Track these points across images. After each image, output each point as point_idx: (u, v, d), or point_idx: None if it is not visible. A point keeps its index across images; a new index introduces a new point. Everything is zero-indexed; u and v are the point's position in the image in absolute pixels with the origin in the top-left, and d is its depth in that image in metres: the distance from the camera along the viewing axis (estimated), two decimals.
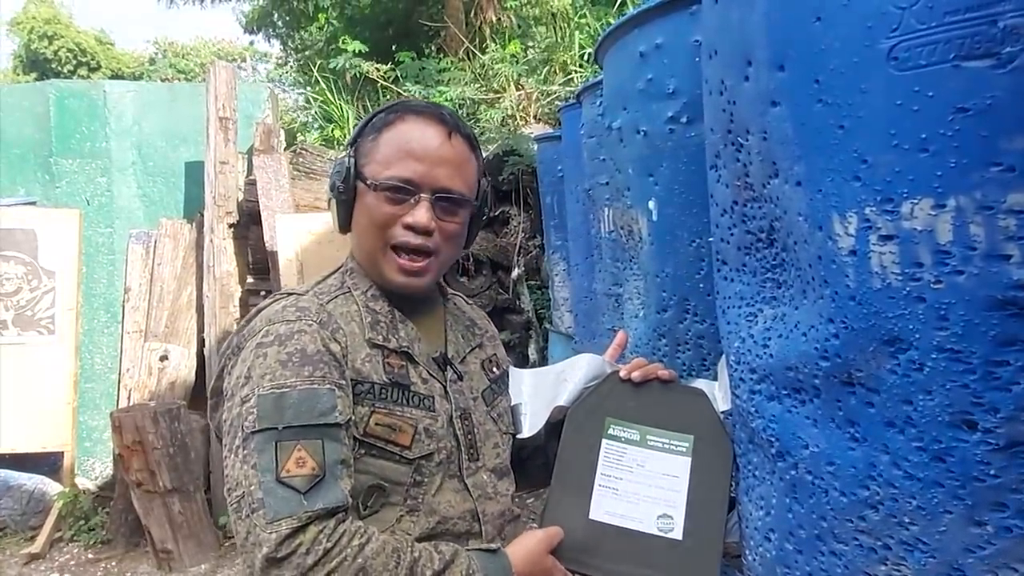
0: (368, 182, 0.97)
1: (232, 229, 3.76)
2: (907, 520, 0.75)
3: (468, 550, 0.94)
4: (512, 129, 4.43)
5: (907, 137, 0.70)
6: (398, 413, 0.95)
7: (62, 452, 3.80)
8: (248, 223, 3.76)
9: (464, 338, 1.12)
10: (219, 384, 0.97)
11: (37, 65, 15.98)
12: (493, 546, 0.96)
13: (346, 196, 0.99)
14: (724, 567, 1.03)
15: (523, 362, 4.00)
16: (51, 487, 3.80)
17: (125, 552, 3.41)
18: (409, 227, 0.97)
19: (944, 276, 0.69)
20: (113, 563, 3.35)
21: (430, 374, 1.02)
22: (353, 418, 0.91)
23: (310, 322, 0.93)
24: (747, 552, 1.02)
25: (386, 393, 0.95)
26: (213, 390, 0.99)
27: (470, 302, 1.24)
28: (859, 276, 0.74)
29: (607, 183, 1.91)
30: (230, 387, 0.92)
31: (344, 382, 0.91)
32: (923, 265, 0.70)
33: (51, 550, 3.49)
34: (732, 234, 1.03)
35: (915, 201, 0.70)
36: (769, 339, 0.91)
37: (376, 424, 0.93)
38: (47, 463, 3.89)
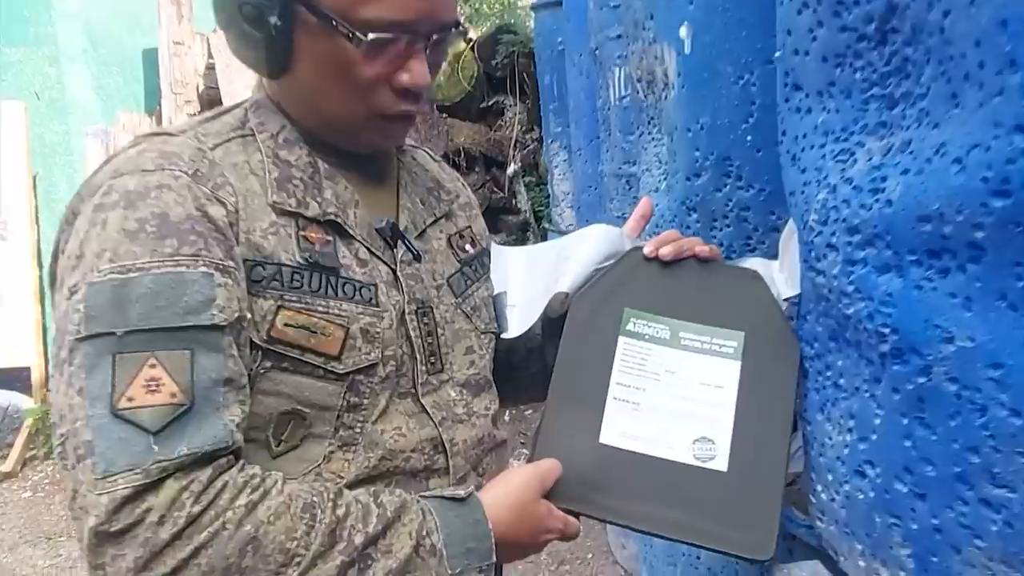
0: (337, 23, 0.61)
1: None
2: None
3: (424, 497, 0.66)
4: (507, 3, 3.95)
5: None
6: (320, 309, 0.64)
7: (29, 367, 3.56)
8: None
9: (425, 204, 0.80)
10: (54, 268, 0.66)
11: None
12: (460, 492, 0.67)
13: (283, 26, 0.63)
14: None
15: None
16: (25, 403, 3.59)
17: None
18: (406, 89, 0.66)
19: None
20: None
21: (372, 252, 0.70)
22: (250, 317, 0.61)
23: (178, 173, 0.61)
24: (819, 488, 0.74)
25: (301, 279, 0.64)
26: (50, 276, 0.67)
27: (437, 158, 0.91)
28: None
29: (619, 36, 1.55)
30: (60, 271, 0.61)
31: (232, 264, 0.60)
32: None
33: (24, 469, 3.31)
34: (814, 39, 0.70)
35: None
36: (883, 180, 0.59)
37: (286, 325, 0.63)
38: (18, 379, 3.66)
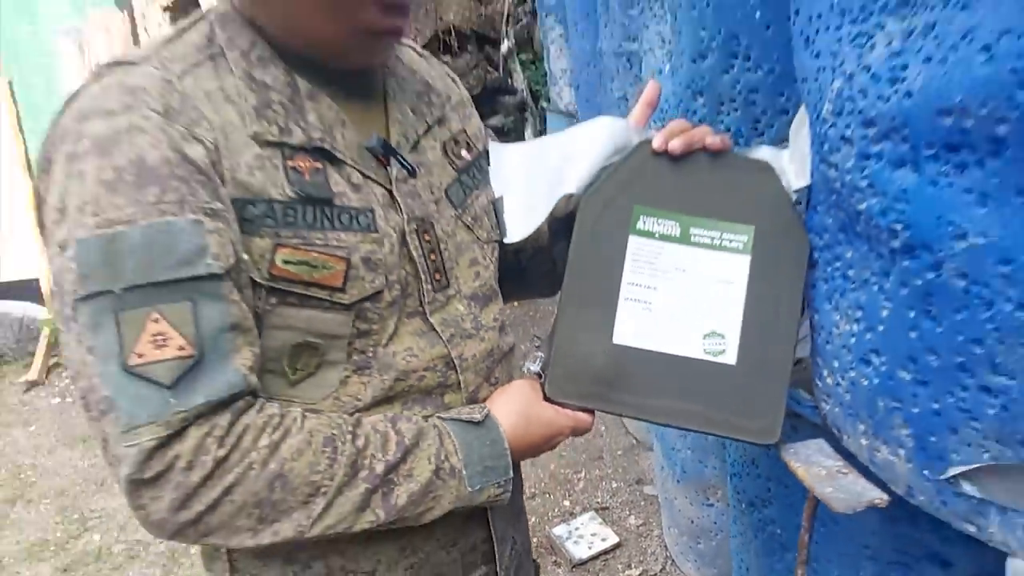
0: None
1: (168, 14, 3.20)
2: None
3: (442, 419, 0.69)
4: None
5: None
6: (318, 243, 0.63)
7: (37, 278, 3.60)
8: (186, 5, 3.19)
9: (416, 113, 0.76)
10: (40, 216, 0.63)
11: None
12: (476, 415, 0.70)
13: None
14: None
15: None
16: (41, 313, 3.65)
17: None
18: (391, 4, 0.64)
19: None
20: None
21: (365, 175, 0.68)
22: (246, 258, 0.60)
23: (147, 113, 0.57)
24: (824, 373, 0.77)
25: (294, 214, 0.62)
26: (37, 225, 0.66)
27: (423, 52, 0.85)
28: None
29: None
30: (47, 223, 0.59)
31: (220, 205, 0.58)
32: None
33: (49, 376, 3.42)
34: None
35: None
36: (903, 68, 0.57)
37: (285, 263, 0.61)
38: (31, 290, 3.71)
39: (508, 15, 3.57)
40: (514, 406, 0.72)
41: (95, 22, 3.47)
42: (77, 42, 3.51)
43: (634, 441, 2.65)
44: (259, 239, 0.61)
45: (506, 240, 0.83)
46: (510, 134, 3.68)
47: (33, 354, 3.52)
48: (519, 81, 3.59)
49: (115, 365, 0.55)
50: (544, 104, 3.30)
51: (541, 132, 3.50)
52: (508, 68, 3.62)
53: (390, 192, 0.70)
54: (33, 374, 3.34)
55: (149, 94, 0.58)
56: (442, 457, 0.66)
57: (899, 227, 0.58)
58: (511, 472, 0.70)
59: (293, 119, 0.64)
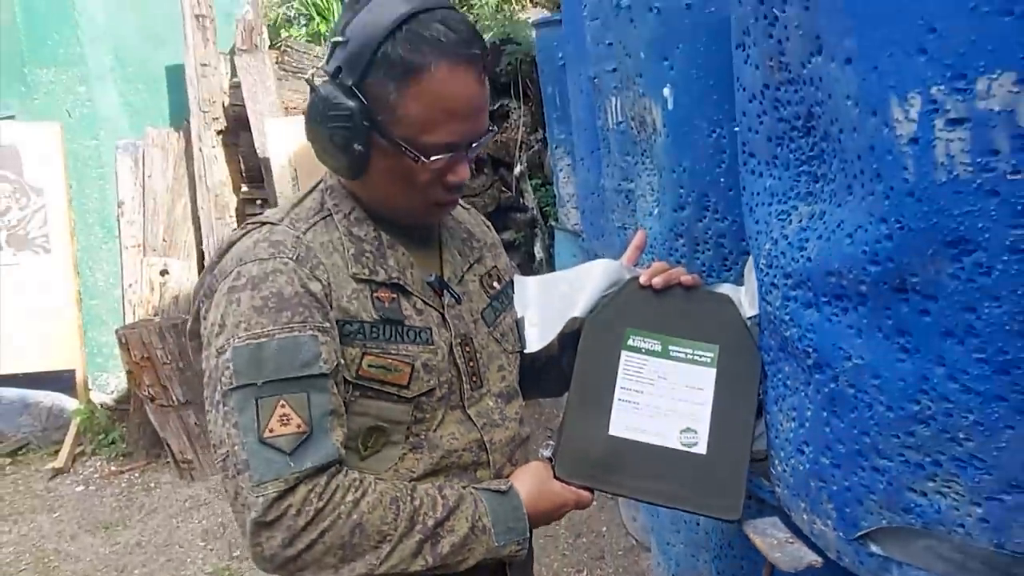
0: (405, 148, 0.83)
1: (221, 136, 3.59)
2: (962, 436, 0.69)
3: (476, 489, 0.90)
4: (508, 15, 4.14)
5: None
6: (392, 352, 0.87)
7: (73, 370, 3.82)
8: (237, 129, 3.60)
9: (461, 255, 1.02)
10: (196, 327, 0.89)
11: None
12: (503, 486, 0.91)
13: (364, 150, 0.83)
14: (748, 474, 0.98)
15: (529, 261, 3.94)
16: (69, 403, 3.85)
17: (147, 463, 3.49)
18: (453, 186, 0.89)
19: None
20: (136, 474, 3.43)
21: (425, 303, 0.93)
22: (343, 362, 0.84)
23: (285, 260, 0.83)
24: (776, 462, 0.98)
25: (377, 331, 0.87)
26: (191, 333, 0.91)
27: (467, 206, 1.13)
28: (920, 168, 0.64)
29: (614, 70, 1.76)
30: (206, 334, 0.84)
31: (328, 324, 0.83)
32: (999, 153, 0.60)
33: (74, 464, 3.58)
34: (761, 123, 0.92)
35: (993, 77, 0.59)
36: (806, 240, 0.82)
37: (369, 366, 0.85)
38: (61, 380, 3.92)
39: (521, 142, 3.96)
40: (530, 482, 0.93)
41: (152, 140, 3.88)
42: (134, 157, 3.90)
43: (633, 542, 2.77)
44: (352, 348, 0.85)
45: (526, 350, 1.06)
46: (520, 247, 3.99)
47: (58, 442, 3.69)
48: (530, 201, 3.94)
49: (253, 437, 0.77)
50: (553, 223, 3.62)
51: (549, 247, 3.81)
52: (520, 189, 3.98)
53: (443, 315, 0.94)
54: (60, 462, 3.49)
55: (285, 246, 0.84)
56: (476, 517, 0.86)
57: (810, 350, 0.82)
58: (528, 533, 0.90)
59: (379, 263, 0.90)
